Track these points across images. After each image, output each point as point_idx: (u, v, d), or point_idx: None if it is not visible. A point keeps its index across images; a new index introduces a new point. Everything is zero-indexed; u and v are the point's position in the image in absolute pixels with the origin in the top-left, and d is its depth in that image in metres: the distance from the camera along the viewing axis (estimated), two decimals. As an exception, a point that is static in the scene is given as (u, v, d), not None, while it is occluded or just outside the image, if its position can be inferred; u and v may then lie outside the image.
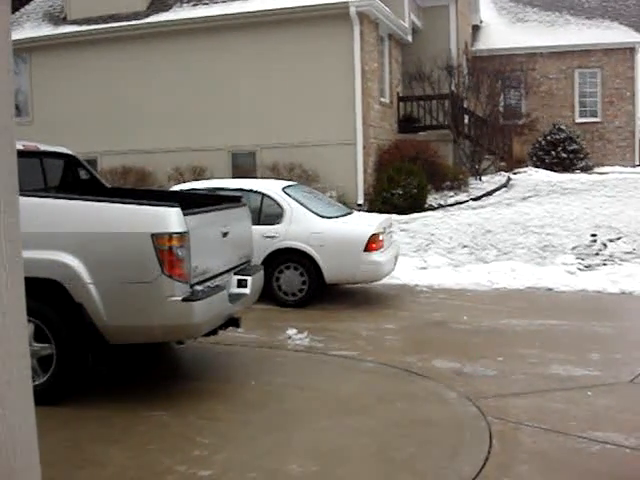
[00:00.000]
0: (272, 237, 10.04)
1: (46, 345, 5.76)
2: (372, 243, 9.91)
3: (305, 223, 10.12)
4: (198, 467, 4.68)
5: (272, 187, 10.72)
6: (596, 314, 9.71)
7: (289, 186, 11.04)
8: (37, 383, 5.66)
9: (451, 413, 5.82)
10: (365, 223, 10.60)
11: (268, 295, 9.91)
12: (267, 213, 10.33)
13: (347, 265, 9.96)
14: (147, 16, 19.69)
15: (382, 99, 20.09)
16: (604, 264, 12.36)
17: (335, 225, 10.30)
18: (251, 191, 10.49)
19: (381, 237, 10.14)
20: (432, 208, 17.63)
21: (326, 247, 9.93)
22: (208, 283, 6.08)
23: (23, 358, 2.35)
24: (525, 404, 5.98)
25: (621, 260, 12.52)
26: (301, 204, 10.39)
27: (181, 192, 9.60)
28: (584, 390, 6.32)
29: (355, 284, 10.81)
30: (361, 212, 13.02)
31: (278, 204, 10.31)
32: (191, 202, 6.54)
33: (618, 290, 10.92)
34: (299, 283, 10.03)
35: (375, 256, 9.99)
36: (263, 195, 10.42)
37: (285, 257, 10.07)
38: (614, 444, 5.05)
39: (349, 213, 11.12)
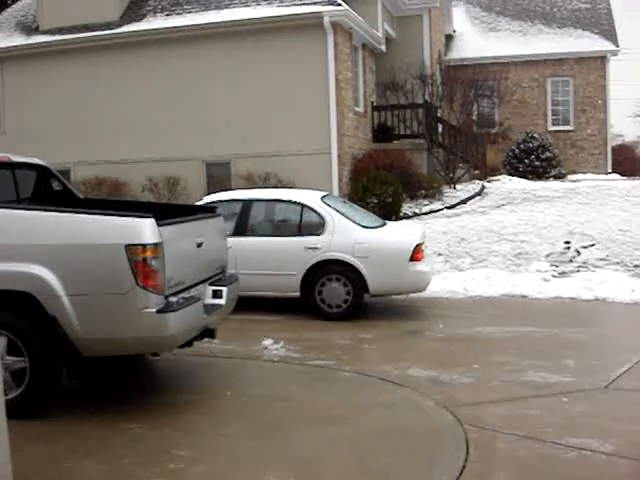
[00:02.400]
0: (315, 248, 9.84)
1: (19, 358, 5.69)
2: (417, 253, 9.77)
3: (348, 234, 9.91)
4: (174, 480, 4.64)
5: (311, 197, 10.51)
6: (571, 320, 9.78)
7: (326, 196, 10.90)
8: (10, 397, 5.58)
9: (428, 421, 5.82)
10: (407, 233, 10.49)
11: (310, 307, 9.92)
12: (307, 224, 10.14)
13: (393, 276, 9.77)
14: (120, 26, 19.60)
15: (356, 108, 20.14)
16: (578, 271, 12.45)
17: (379, 235, 10.14)
18: (290, 202, 10.40)
19: (423, 247, 10.06)
20: (407, 217, 17.67)
21: (371, 258, 9.72)
22: (183, 294, 6.04)
23: (-6, 372, 2.32)
24: (501, 411, 6.00)
25: (595, 267, 12.61)
26: (342, 214, 10.20)
27: (155, 203, 9.55)
28: (560, 396, 6.35)
29: (399, 295, 10.62)
30: (393, 222, 12.75)
31: (319, 214, 10.10)
32: (165, 213, 6.49)
33: (592, 296, 11.00)
34: (343, 295, 9.81)
35: (420, 266, 9.90)
36: (303, 206, 10.21)
37: (328, 268, 9.87)
38: (590, 450, 5.08)
39: (384, 223, 10.91)
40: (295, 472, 4.77)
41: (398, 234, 10.49)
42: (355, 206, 11.93)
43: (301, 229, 10.13)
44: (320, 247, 9.85)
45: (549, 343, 8.50)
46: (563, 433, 5.42)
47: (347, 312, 9.79)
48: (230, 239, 9.85)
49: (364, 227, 10.12)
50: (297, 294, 9.98)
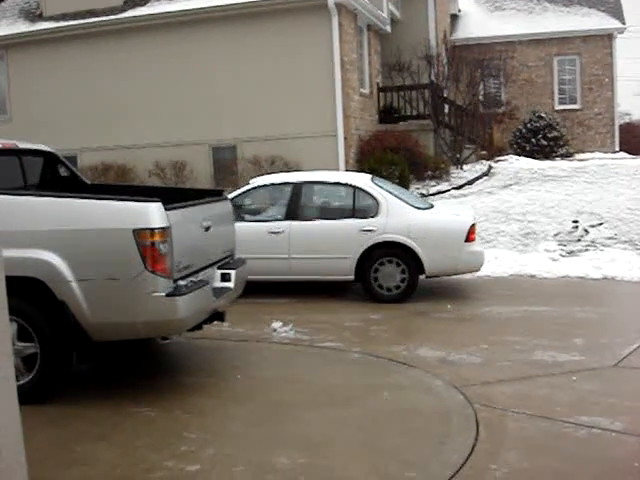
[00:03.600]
0: (370, 231, 9.75)
1: (30, 344, 5.72)
2: (471, 233, 9.76)
3: (403, 215, 9.82)
4: (186, 462, 4.67)
5: (363, 179, 10.45)
6: (579, 300, 9.78)
7: (374, 177, 10.82)
8: (22, 382, 5.62)
9: (437, 401, 5.84)
10: (460, 213, 10.48)
11: (365, 290, 9.90)
12: (361, 206, 10.04)
13: (449, 257, 9.72)
14: (124, 11, 19.54)
15: (362, 90, 20.07)
16: (586, 250, 12.43)
17: (433, 216, 10.10)
18: (342, 184, 10.34)
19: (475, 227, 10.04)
20: (414, 198, 17.62)
21: (427, 239, 9.65)
22: (191, 278, 6.06)
23: (6, 357, 2.34)
24: (511, 390, 6.01)
25: (603, 246, 12.60)
26: (395, 196, 10.12)
27: (162, 187, 9.52)
28: (569, 375, 6.36)
29: (455, 275, 10.52)
30: (438, 203, 12.64)
31: (372, 196, 9.98)
32: (172, 197, 6.50)
33: (600, 275, 11.00)
34: (398, 277, 9.76)
35: (476, 246, 9.94)
36: (355, 188, 10.11)
37: (383, 251, 9.79)
38: (600, 428, 5.09)
39: (432, 205, 10.84)
40: (305, 453, 4.79)
41: (452, 215, 10.50)
42: (401, 188, 11.82)
43: (354, 211, 10.01)
44: (375, 229, 9.75)
45: (558, 322, 8.51)
46: (573, 412, 5.43)
47: (403, 294, 9.74)
48: (282, 223, 9.92)
49: (417, 208, 10.06)
50: (351, 277, 9.89)
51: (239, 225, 9.88)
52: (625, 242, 12.66)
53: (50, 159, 7.92)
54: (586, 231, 13.34)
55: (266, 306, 9.63)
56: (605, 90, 27.89)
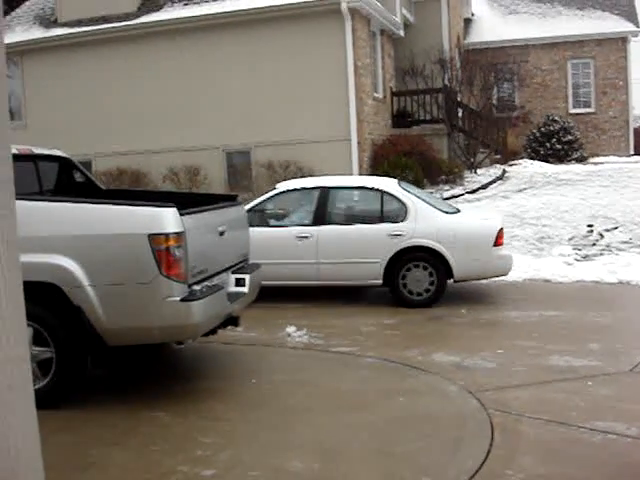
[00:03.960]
0: (398, 235, 9.70)
1: (45, 349, 5.75)
2: (500, 237, 9.77)
3: (431, 220, 9.79)
4: (201, 467, 4.68)
5: (390, 184, 10.41)
6: (594, 304, 9.73)
7: (400, 182, 10.80)
8: (37, 387, 5.64)
9: (452, 407, 5.83)
10: (488, 218, 10.49)
11: (393, 295, 9.88)
12: (389, 211, 9.98)
13: (478, 261, 9.70)
14: (138, 17, 19.65)
15: (375, 94, 20.08)
16: (601, 254, 12.38)
17: (461, 220, 10.09)
18: (369, 188, 10.30)
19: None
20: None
21: (456, 243, 9.62)
22: (206, 283, 6.07)
23: (24, 362, 2.35)
24: (526, 396, 5.99)
25: (618, 250, 12.54)
26: (422, 200, 10.11)
27: (177, 192, 9.54)
28: (584, 380, 6.33)
29: (483, 280, 10.51)
30: (464, 208, 12.60)
31: (401, 201, 9.93)
32: (187, 202, 6.52)
33: (616, 280, 10.94)
34: (427, 282, 9.72)
35: (504, 250, 9.94)
36: (383, 192, 10.05)
37: (412, 255, 9.73)
38: (615, 433, 5.06)
39: (458, 209, 10.80)
40: (320, 458, 4.79)
41: (480, 219, 10.52)
42: (425, 192, 11.78)
43: (383, 216, 9.95)
44: (404, 234, 9.70)
45: (573, 327, 8.47)
46: (588, 417, 5.40)
47: (431, 299, 9.70)
48: (310, 228, 9.87)
49: (445, 212, 10.05)
50: (379, 282, 9.84)
51: (266, 230, 9.92)
52: (640, 246, 12.59)
53: (65, 164, 7.96)
54: (601, 235, 13.29)
55: (280, 311, 9.63)
56: (620, 93, 27.79)
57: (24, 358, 2.35)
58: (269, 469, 4.63)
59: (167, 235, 5.51)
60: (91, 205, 5.96)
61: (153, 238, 5.50)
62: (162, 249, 5.50)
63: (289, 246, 9.92)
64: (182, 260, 5.60)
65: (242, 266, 7.11)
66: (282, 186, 10.74)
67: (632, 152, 27.68)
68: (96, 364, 6.12)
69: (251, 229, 9.69)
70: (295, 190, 10.56)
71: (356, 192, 10.69)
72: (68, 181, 7.98)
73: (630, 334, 8.32)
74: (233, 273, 6.77)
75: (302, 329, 8.33)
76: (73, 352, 5.81)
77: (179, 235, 5.56)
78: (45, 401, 5.38)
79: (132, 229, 5.58)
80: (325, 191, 10.22)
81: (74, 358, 5.83)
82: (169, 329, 5.74)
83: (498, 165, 21.93)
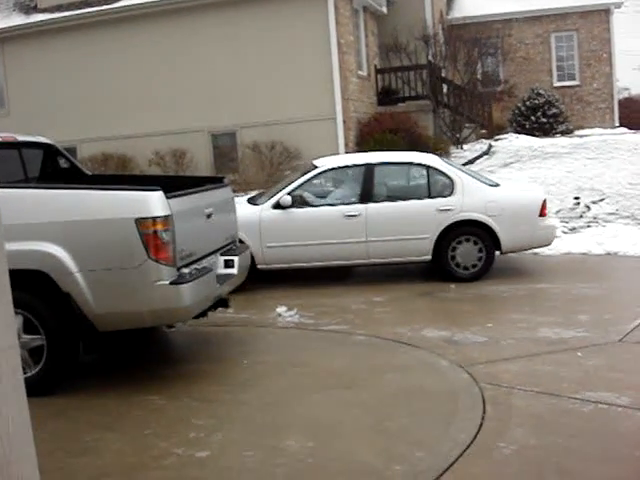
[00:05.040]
0: (447, 210, 9.67)
1: (36, 336, 5.74)
2: (544, 208, 9.82)
3: (478, 193, 9.77)
4: (195, 449, 4.69)
5: (434, 158, 10.40)
6: (583, 276, 9.79)
7: (441, 157, 10.73)
8: (29, 375, 5.65)
9: (443, 381, 5.86)
10: (531, 189, 10.54)
11: (441, 270, 9.84)
12: (435, 186, 9.90)
13: (524, 232, 9.75)
14: (118, 0, 19.47)
15: (360, 72, 20.03)
16: (588, 226, 12.43)
17: (507, 193, 10.10)
18: (415, 164, 10.22)
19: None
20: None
21: (503, 216, 9.64)
22: (195, 265, 6.06)
23: (12, 350, 2.35)
24: (516, 368, 6.03)
25: (605, 221, 12.59)
26: (467, 174, 10.12)
27: (162, 176, 9.49)
28: (574, 351, 6.37)
29: (528, 250, 10.51)
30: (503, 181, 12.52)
31: (447, 176, 9.86)
32: (173, 185, 6.50)
33: (603, 251, 11.00)
34: (475, 256, 9.71)
35: (548, 220, 10.05)
36: (428, 167, 9.97)
37: (461, 230, 9.72)
38: (606, 403, 5.10)
39: (498, 183, 10.71)
40: (314, 436, 4.81)
41: (525, 190, 10.59)
42: (463, 166, 11.72)
43: (430, 191, 9.87)
44: (453, 208, 9.67)
45: (562, 299, 8.52)
46: (579, 388, 5.44)
47: (480, 272, 9.71)
48: (358, 206, 9.76)
49: (490, 185, 10.07)
50: (429, 257, 9.80)
51: (312, 210, 9.84)
52: (627, 217, 12.66)
53: (50, 151, 7.92)
54: (588, 207, 13.34)
55: (269, 291, 9.65)
56: (603, 66, 27.80)
57: (13, 345, 2.35)
58: (263, 449, 4.65)
59: (154, 219, 5.50)
60: (77, 191, 5.94)
61: (140, 222, 5.49)
62: (150, 233, 5.49)
63: (337, 225, 9.76)
64: (170, 243, 5.59)
65: (230, 248, 7.11)
66: (323, 164, 10.43)
67: (617, 124, 27.74)
68: (87, 350, 6.11)
69: (296, 210, 9.67)
70: (338, 168, 10.40)
71: (401, 168, 10.58)
72: (53, 168, 7.93)
73: (618, 304, 8.37)
74: (222, 255, 6.76)
75: (292, 309, 8.34)
76: (64, 339, 5.80)
77: (166, 218, 5.55)
78: (37, 388, 5.39)
79: (119, 214, 5.57)
80: (370, 168, 10.04)
81: (65, 345, 5.83)
82: (159, 313, 5.74)
83: (484, 140, 21.93)
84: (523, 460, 4.31)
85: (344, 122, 17.90)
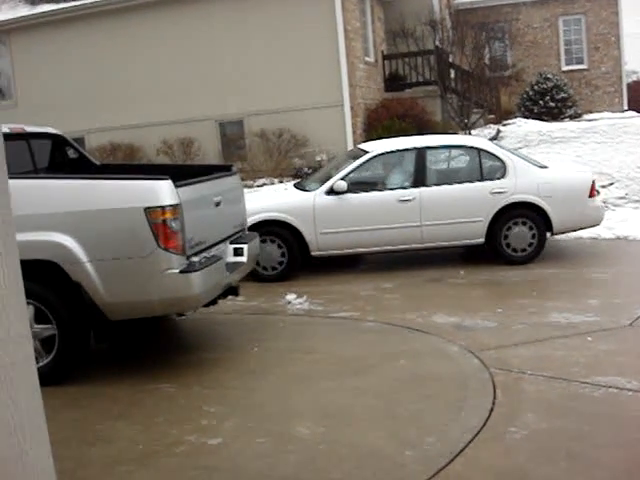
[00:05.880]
0: (501, 193, 9.67)
1: (47, 326, 5.78)
2: (593, 189, 9.87)
3: (530, 175, 9.79)
4: (207, 436, 4.72)
5: (484, 141, 10.45)
6: (592, 260, 9.77)
7: (490, 139, 10.76)
8: (41, 364, 5.68)
9: (454, 367, 5.87)
10: (580, 170, 10.63)
11: (494, 253, 9.85)
12: (487, 168, 9.92)
13: (574, 213, 9.79)
14: (125, -11, 19.44)
15: (367, 58, 19.95)
16: (598, 210, 12.37)
17: (557, 174, 10.18)
18: (466, 147, 10.24)
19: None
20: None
21: (555, 197, 9.66)
22: (204, 254, 6.08)
23: (25, 339, 2.36)
24: (527, 353, 6.03)
25: (614, 206, 12.55)
26: (517, 156, 10.14)
27: (171, 165, 9.48)
28: (584, 336, 6.37)
29: (578, 230, 10.53)
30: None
31: (499, 158, 9.88)
32: (181, 174, 6.50)
33: (613, 235, 10.97)
34: (528, 238, 9.71)
35: (597, 201, 10.09)
36: (480, 150, 9.98)
37: (513, 212, 9.73)
38: (617, 388, 5.11)
39: (545, 164, 10.72)
40: (325, 423, 4.83)
41: (574, 172, 10.64)
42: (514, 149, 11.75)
43: (482, 174, 9.87)
44: (506, 191, 9.67)
45: (572, 284, 8.51)
46: (589, 372, 5.44)
47: (533, 254, 9.73)
48: (412, 190, 9.72)
49: (540, 167, 10.09)
50: (482, 240, 9.78)
51: (365, 196, 9.79)
52: (636, 202, 12.61)
53: (58, 142, 7.93)
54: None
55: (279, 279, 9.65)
56: (612, 49, 27.59)
57: (26, 335, 2.36)
58: (275, 435, 4.67)
59: (163, 208, 5.51)
60: (86, 181, 5.96)
61: (149, 211, 5.50)
62: (159, 222, 5.50)
63: (391, 210, 9.72)
64: (179, 232, 5.60)
65: (240, 236, 7.12)
66: (373, 149, 10.34)
67: (626, 107, 27.55)
68: (98, 339, 6.14)
69: (350, 195, 9.63)
70: (389, 153, 10.31)
71: (453, 151, 10.59)
72: (62, 158, 7.95)
73: (628, 289, 8.36)
74: (231, 243, 6.78)
75: (302, 296, 8.35)
76: (75, 328, 5.83)
77: (175, 207, 5.56)
78: (49, 378, 5.43)
79: (128, 203, 5.58)
80: (422, 152, 10.01)
81: (76, 334, 5.86)
82: (169, 301, 5.75)
83: (492, 125, 21.82)
84: (534, 445, 4.32)
85: (352, 109, 17.85)
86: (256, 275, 9.31)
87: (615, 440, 4.35)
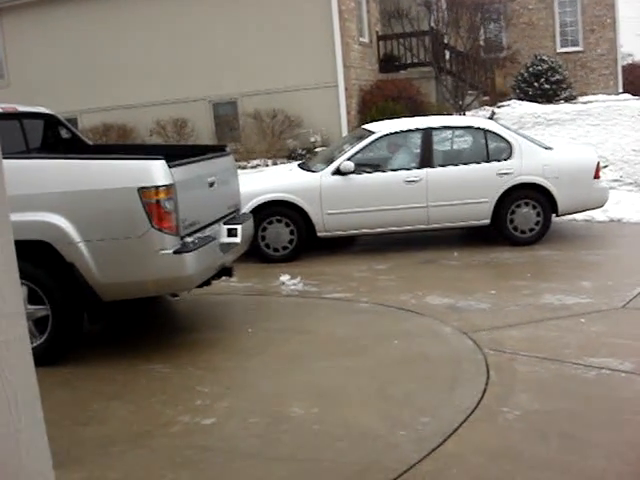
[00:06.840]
0: (507, 173, 9.65)
1: (41, 307, 5.76)
2: (598, 170, 9.89)
3: (535, 156, 9.79)
4: (201, 416, 4.73)
5: (490, 122, 10.44)
6: (586, 242, 9.79)
7: (497, 121, 10.74)
8: (34, 345, 5.67)
9: (447, 348, 5.88)
10: (585, 151, 10.62)
11: (499, 234, 9.86)
12: (494, 149, 9.91)
13: (580, 194, 9.82)
14: (117, -32, 19.30)
15: (361, 39, 19.87)
16: (592, 192, 12.37)
17: (562, 155, 10.17)
18: (472, 128, 10.22)
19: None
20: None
21: (560, 178, 9.67)
22: (198, 234, 6.06)
23: (19, 317, 2.35)
24: (520, 334, 6.04)
25: (609, 188, 12.54)
26: (523, 137, 10.14)
27: (164, 145, 9.45)
28: (577, 318, 6.39)
29: (582, 212, 10.59)
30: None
31: (505, 139, 9.88)
32: (175, 154, 6.47)
33: (607, 218, 10.98)
34: (533, 219, 9.75)
35: (602, 183, 10.12)
36: (486, 131, 9.95)
37: (519, 193, 9.73)
38: (609, 369, 5.13)
39: (550, 146, 10.71)
40: (318, 402, 4.84)
41: (579, 153, 10.64)
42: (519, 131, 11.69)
43: (488, 155, 9.86)
44: (512, 172, 9.67)
45: (565, 265, 8.53)
46: (582, 353, 5.46)
47: (538, 235, 9.76)
48: (418, 171, 9.69)
49: (546, 148, 10.09)
50: (487, 221, 9.78)
51: (372, 176, 9.76)
52: (630, 184, 12.63)
53: (51, 122, 7.88)
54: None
55: (271, 259, 9.64)
56: (607, 31, 27.52)
57: (19, 313, 2.35)
58: (269, 415, 4.68)
59: (157, 188, 5.49)
60: (79, 161, 5.92)
61: (143, 191, 5.48)
62: (152, 202, 5.48)
63: (398, 191, 9.69)
64: (173, 212, 5.58)
65: (234, 216, 7.10)
66: (379, 130, 10.26)
67: (621, 90, 27.52)
68: (92, 320, 6.13)
69: (356, 176, 9.60)
70: (396, 133, 10.24)
71: (459, 132, 10.56)
72: (54, 138, 7.90)
73: (621, 271, 8.38)
74: (225, 224, 6.76)
75: (296, 277, 8.35)
76: (68, 309, 5.82)
77: (169, 187, 5.54)
78: (43, 358, 5.41)
79: (121, 183, 5.55)
80: (428, 132, 9.97)
81: (70, 315, 5.85)
82: (163, 282, 5.75)
83: (487, 107, 21.79)
84: (527, 425, 4.34)
85: (346, 89, 17.80)
86: (265, 257, 9.41)
87: (608, 421, 4.37)
